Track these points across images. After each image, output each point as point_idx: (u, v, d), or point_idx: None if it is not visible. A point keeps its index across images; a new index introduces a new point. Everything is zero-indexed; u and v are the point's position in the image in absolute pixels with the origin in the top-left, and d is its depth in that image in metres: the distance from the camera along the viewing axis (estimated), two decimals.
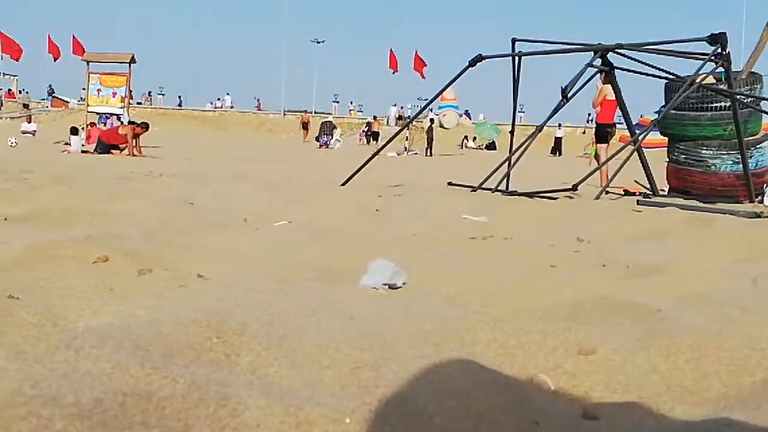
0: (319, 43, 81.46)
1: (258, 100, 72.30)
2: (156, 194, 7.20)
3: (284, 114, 66.17)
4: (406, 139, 39.14)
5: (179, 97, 72.05)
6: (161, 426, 1.33)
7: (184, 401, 1.41)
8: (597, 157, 14.77)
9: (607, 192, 9.84)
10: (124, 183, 8.69)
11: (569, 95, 9.75)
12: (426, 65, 59.37)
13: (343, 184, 9.86)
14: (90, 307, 2.37)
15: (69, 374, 1.42)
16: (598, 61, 10.40)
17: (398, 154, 34.26)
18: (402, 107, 63.45)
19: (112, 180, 9.16)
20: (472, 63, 10.12)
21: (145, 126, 22.30)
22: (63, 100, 62.57)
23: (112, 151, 21.50)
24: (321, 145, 41.97)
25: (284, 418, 1.43)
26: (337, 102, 72.04)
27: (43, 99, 65.97)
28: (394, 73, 60.18)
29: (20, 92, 65.35)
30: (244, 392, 1.50)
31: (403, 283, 2.96)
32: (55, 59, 54.49)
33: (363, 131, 49.93)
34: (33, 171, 9.91)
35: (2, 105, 58.93)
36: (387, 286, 2.88)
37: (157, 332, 1.80)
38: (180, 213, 5.56)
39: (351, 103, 70.85)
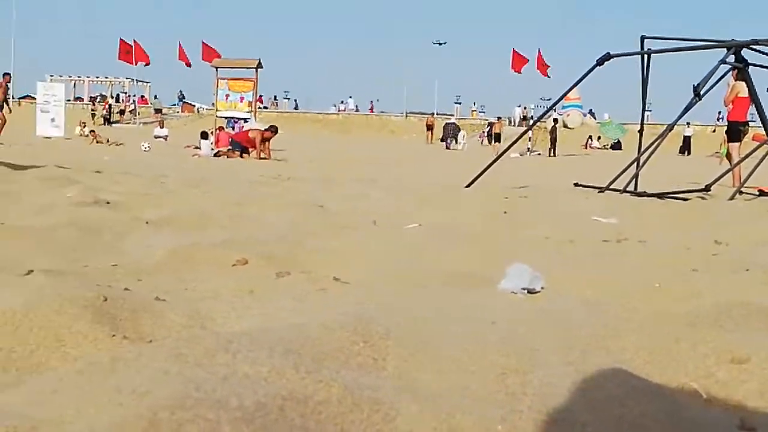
0: (441, 44, 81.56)
1: (372, 102, 72.89)
2: (285, 197, 7.34)
3: (406, 116, 66.42)
4: (529, 140, 38.76)
5: (295, 100, 73.44)
6: (319, 430, 1.35)
7: (339, 405, 1.43)
8: (729, 156, 14.32)
9: (741, 192, 9.51)
10: (253, 186, 8.89)
11: (702, 93, 9.48)
12: (549, 66, 58.62)
13: (468, 186, 9.84)
14: (234, 310, 2.43)
15: (229, 377, 1.46)
16: (731, 58, 10.06)
17: (521, 155, 33.98)
18: (526, 107, 62.86)
19: (242, 183, 9.39)
20: (600, 62, 9.93)
21: (273, 129, 22.77)
22: (192, 105, 64.62)
23: (243, 154, 22.04)
24: (447, 146, 42.21)
25: (435, 425, 1.43)
26: (459, 103, 72.05)
27: (174, 104, 68.24)
28: (519, 73, 59.53)
29: (155, 97, 67.92)
30: (395, 397, 1.51)
31: (542, 288, 2.93)
32: (187, 66, 56.22)
33: (484, 132, 49.66)
34: (167, 175, 10.25)
35: (138, 112, 61.25)
36: (526, 291, 2.86)
37: (306, 336, 1.83)
38: (311, 216, 5.65)
39: (474, 104, 70.60)
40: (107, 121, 55.43)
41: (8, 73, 25.24)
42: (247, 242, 3.93)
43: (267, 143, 22.36)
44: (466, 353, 1.85)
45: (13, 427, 1.31)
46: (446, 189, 9.40)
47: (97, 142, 29.25)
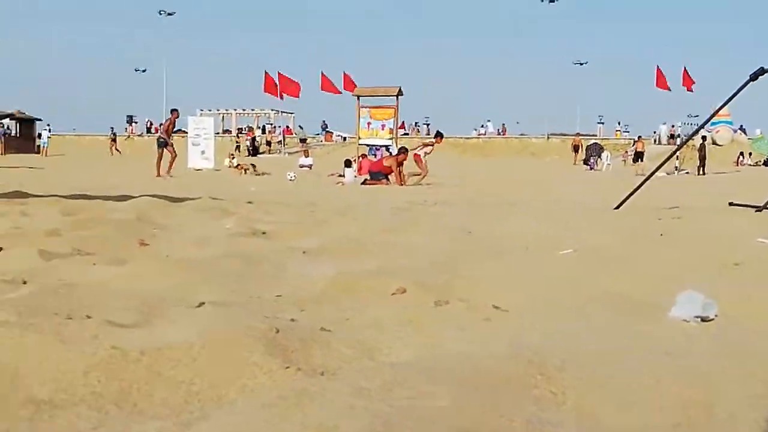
0: (582, 64, 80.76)
1: (503, 125, 72.68)
2: (433, 223, 7.35)
3: (547, 138, 65.70)
4: (677, 158, 37.65)
5: (426, 125, 73.59)
6: None
7: None
8: None
9: None
10: (400, 213, 8.94)
11: None
12: (694, 82, 56.98)
13: (617, 208, 9.62)
14: (399, 340, 2.44)
15: (412, 412, 1.46)
16: None
17: (668, 174, 32.99)
18: (673, 125, 61.19)
19: (389, 210, 9.46)
20: (754, 77, 9.53)
21: (405, 151, 23.10)
22: (336, 134, 65.82)
23: (382, 180, 22.34)
24: (590, 167, 41.62)
25: None
26: (602, 123, 70.89)
27: (318, 134, 69.70)
28: (669, 89, 58.13)
29: (300, 127, 69.66)
30: None
31: (715, 315, 2.82)
32: (336, 93, 57.16)
33: (627, 152, 48.71)
34: (316, 204, 10.44)
35: (285, 142, 62.99)
36: (699, 319, 2.75)
37: (480, 368, 1.81)
38: (461, 242, 5.64)
39: (618, 123, 69.23)
40: (251, 151, 57.11)
41: (176, 110, 26.27)
42: (403, 270, 3.95)
43: (402, 167, 22.65)
44: (644, 386, 1.79)
45: None
46: (595, 211, 9.23)
47: (245, 171, 30.15)
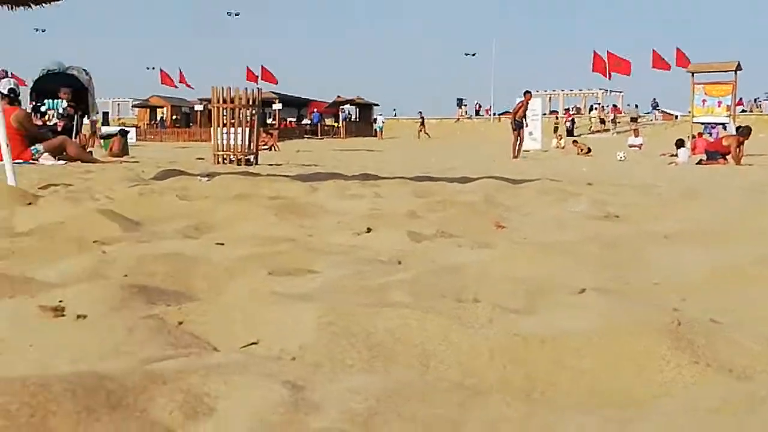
0: None
1: None
2: None
3: None
4: None
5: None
6: None
7: None
8: None
9: None
10: (755, 196, 8.39)
11: None
12: None
13: None
14: None
15: None
16: None
17: None
18: None
19: (740, 192, 8.93)
20: None
21: (746, 132, 22.21)
22: (667, 113, 63.39)
23: (719, 160, 21.47)
24: None
25: None
26: None
27: (648, 112, 67.60)
28: None
29: (628, 106, 68.11)
30: None
31: None
32: (667, 69, 55.11)
33: None
34: (658, 185, 10.07)
35: (617, 121, 61.69)
36: None
37: None
38: None
39: None
40: (569, 132, 56.62)
41: (529, 92, 26.75)
42: None
43: (741, 148, 21.55)
44: None
45: None
46: None
47: (581, 150, 30.00)
